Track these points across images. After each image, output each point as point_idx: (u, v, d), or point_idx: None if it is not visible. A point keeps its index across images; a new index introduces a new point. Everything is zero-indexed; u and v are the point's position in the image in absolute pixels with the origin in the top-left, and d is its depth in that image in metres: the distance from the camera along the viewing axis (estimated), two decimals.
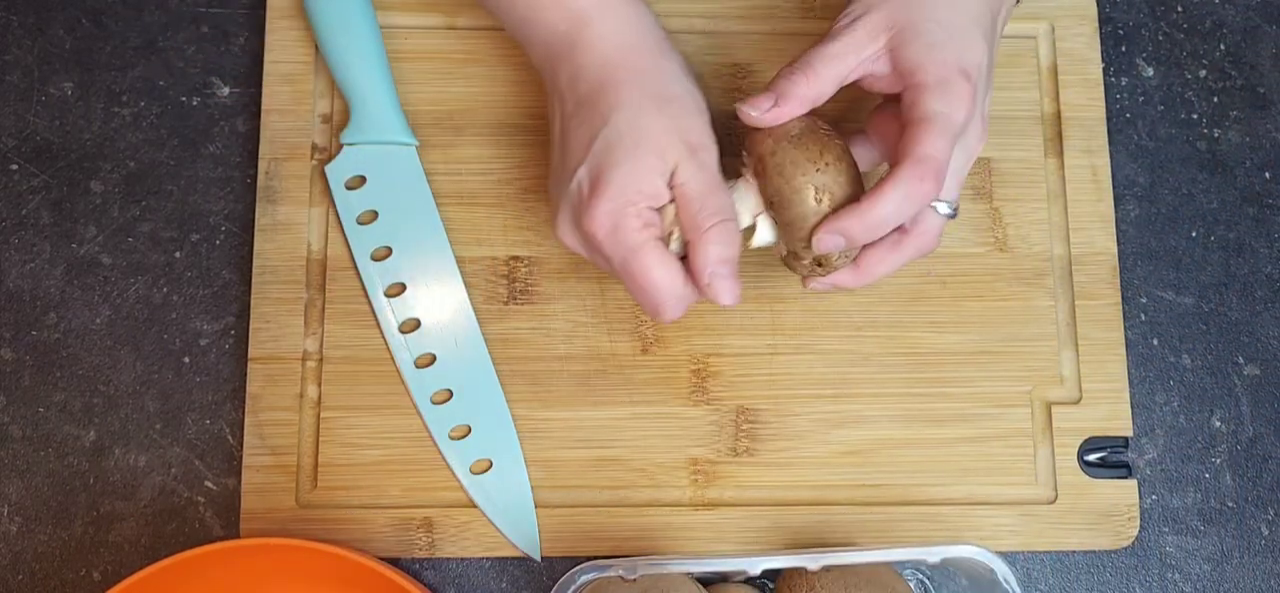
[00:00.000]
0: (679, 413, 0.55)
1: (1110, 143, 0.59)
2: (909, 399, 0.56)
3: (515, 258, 0.56)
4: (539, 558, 0.54)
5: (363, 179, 0.56)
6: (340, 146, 0.56)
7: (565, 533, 0.54)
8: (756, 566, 0.48)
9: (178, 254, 0.57)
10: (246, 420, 0.54)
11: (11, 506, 0.54)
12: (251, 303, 0.55)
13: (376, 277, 0.56)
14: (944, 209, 0.48)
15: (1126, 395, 0.56)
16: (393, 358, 0.55)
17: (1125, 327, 0.57)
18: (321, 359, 0.55)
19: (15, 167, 0.57)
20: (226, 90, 0.59)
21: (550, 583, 0.54)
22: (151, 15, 0.59)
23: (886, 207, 0.45)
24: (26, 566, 0.54)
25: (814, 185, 0.46)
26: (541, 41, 0.50)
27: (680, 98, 0.48)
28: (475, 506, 0.54)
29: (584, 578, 0.47)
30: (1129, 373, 0.57)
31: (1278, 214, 0.60)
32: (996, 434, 0.56)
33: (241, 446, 0.54)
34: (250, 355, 0.55)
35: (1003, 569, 0.47)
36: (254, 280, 0.55)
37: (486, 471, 0.54)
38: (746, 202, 0.49)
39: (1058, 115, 0.59)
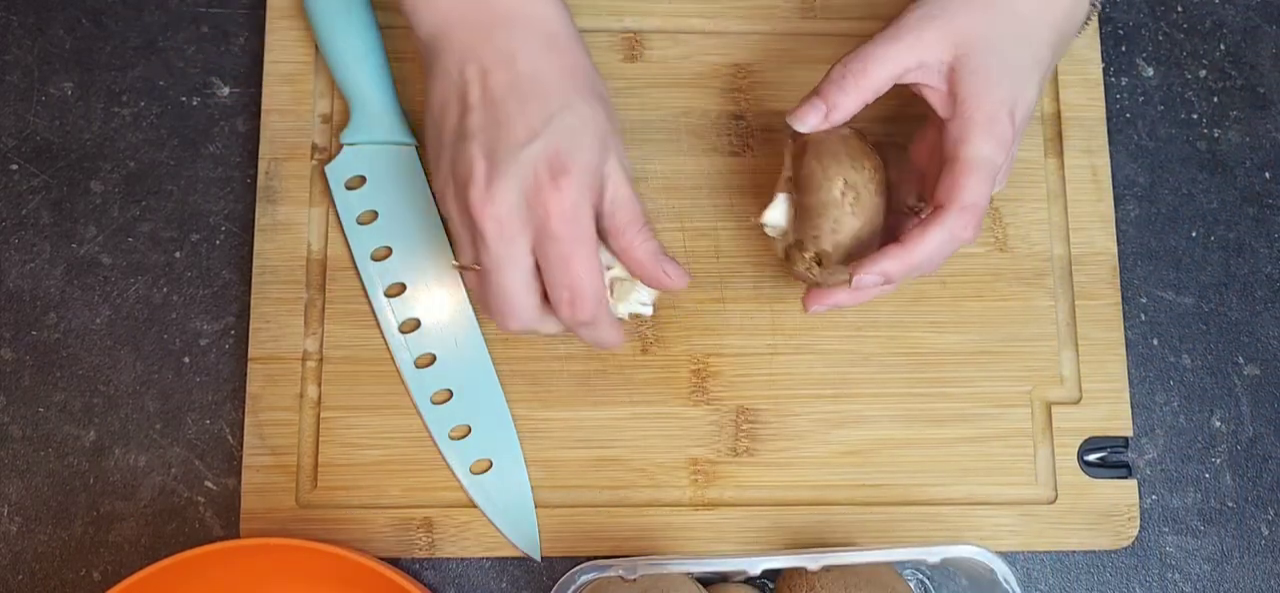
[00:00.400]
0: (679, 413, 0.55)
1: (1110, 143, 0.59)
2: (909, 399, 0.56)
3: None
4: (539, 558, 0.54)
5: (363, 179, 0.56)
6: (340, 146, 0.56)
7: (565, 533, 0.54)
8: (756, 566, 0.48)
9: (178, 254, 0.57)
10: (246, 420, 0.54)
11: (11, 506, 0.54)
12: (251, 303, 0.55)
13: (376, 277, 0.56)
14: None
15: (1126, 395, 0.56)
16: (393, 358, 0.55)
17: (1125, 327, 0.57)
18: (321, 359, 0.55)
19: (15, 167, 0.57)
20: (226, 90, 0.59)
21: (550, 583, 0.54)
22: (151, 15, 0.59)
23: (927, 249, 0.46)
24: (26, 566, 0.54)
25: (845, 178, 0.47)
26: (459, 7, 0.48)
27: (604, 94, 0.49)
28: (475, 506, 0.54)
29: (584, 578, 0.47)
30: (1129, 373, 0.57)
31: (1278, 214, 0.60)
32: (996, 434, 0.56)
33: (241, 445, 0.54)
34: (250, 355, 0.55)
35: (1003, 569, 0.47)
36: (254, 280, 0.55)
37: (486, 471, 0.54)
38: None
39: (1058, 115, 0.59)
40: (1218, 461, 0.57)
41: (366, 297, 0.55)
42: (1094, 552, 0.56)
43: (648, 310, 0.51)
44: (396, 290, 0.55)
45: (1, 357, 0.56)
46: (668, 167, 0.57)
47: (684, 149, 0.58)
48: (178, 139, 0.58)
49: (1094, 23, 0.60)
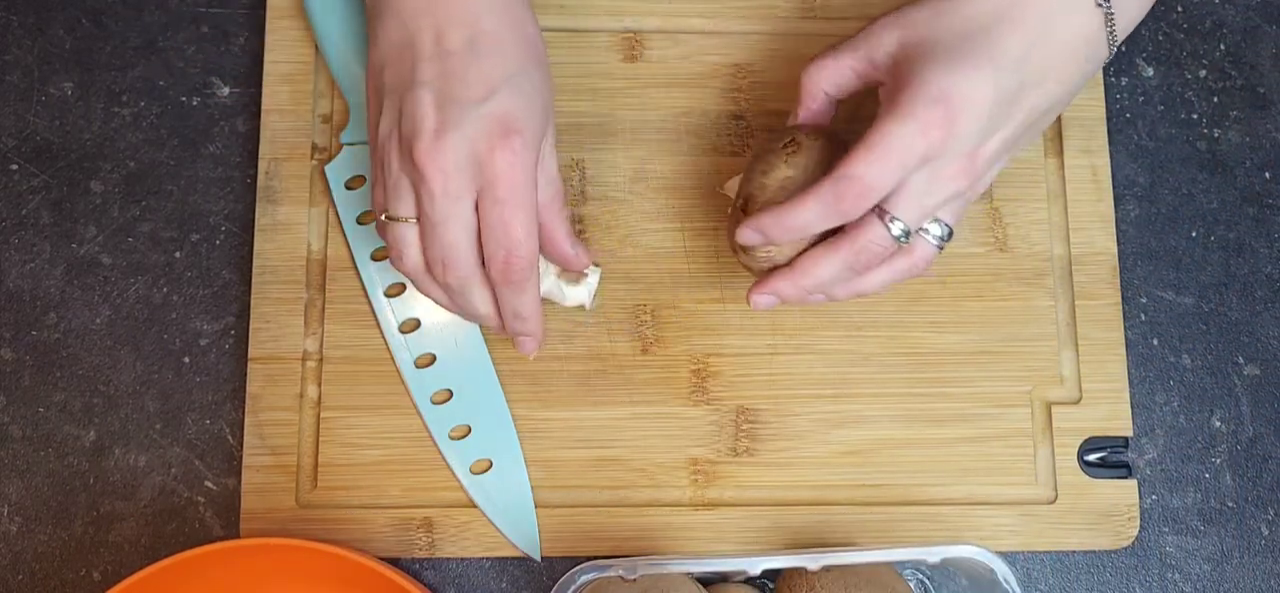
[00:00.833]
0: (679, 413, 0.55)
1: (1110, 143, 0.59)
2: (909, 399, 0.56)
3: None
4: (539, 558, 0.54)
5: (363, 179, 0.56)
6: (340, 146, 0.56)
7: (565, 533, 0.54)
8: (756, 566, 0.48)
9: (178, 254, 0.57)
10: (246, 420, 0.54)
11: (11, 506, 0.54)
12: (251, 303, 0.55)
13: (376, 277, 0.56)
14: (895, 229, 0.46)
15: (1126, 395, 0.56)
16: (393, 358, 0.55)
17: (1125, 327, 0.57)
18: (321, 359, 0.55)
19: (15, 167, 0.57)
20: (226, 90, 0.59)
21: (550, 583, 0.54)
22: (151, 15, 0.59)
23: (801, 215, 0.46)
24: (26, 566, 0.54)
25: (792, 136, 0.48)
26: None
27: (548, 67, 0.50)
28: (475, 506, 0.54)
29: (584, 578, 0.47)
30: (1129, 373, 0.57)
31: (1278, 214, 0.60)
32: (996, 434, 0.56)
33: (241, 445, 0.54)
34: (250, 355, 0.55)
35: (1003, 569, 0.47)
36: (254, 280, 0.55)
37: (487, 471, 0.54)
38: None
39: (1057, 115, 0.59)
40: (1218, 461, 0.57)
41: (366, 297, 0.55)
42: (1094, 552, 0.56)
43: (588, 303, 0.52)
44: (396, 290, 0.55)
45: (1, 357, 0.56)
46: (668, 167, 0.57)
47: (684, 149, 0.58)
48: (178, 139, 0.58)
49: None
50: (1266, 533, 0.56)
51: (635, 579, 0.48)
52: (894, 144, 0.44)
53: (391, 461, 0.54)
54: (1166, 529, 0.56)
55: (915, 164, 0.44)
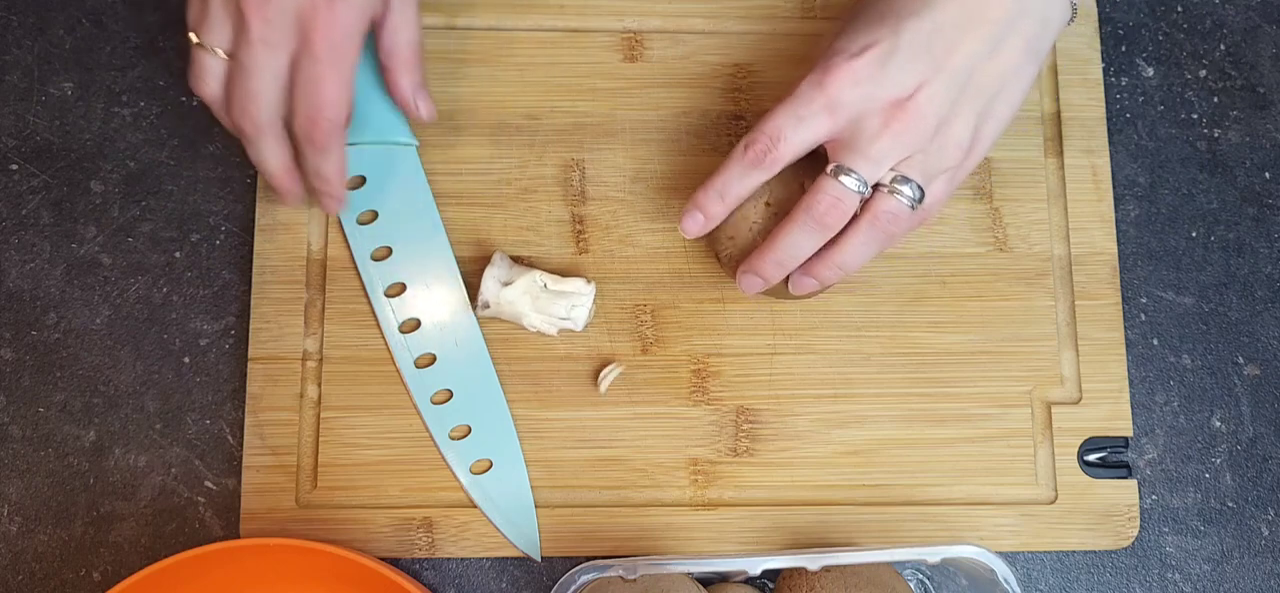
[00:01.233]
0: (679, 413, 0.55)
1: (1110, 143, 0.59)
2: (909, 399, 0.56)
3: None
4: (539, 558, 0.54)
5: (363, 179, 0.56)
6: None
7: (565, 533, 0.54)
8: (756, 566, 0.48)
9: (178, 254, 0.57)
10: (246, 420, 0.54)
11: (11, 506, 0.54)
12: (251, 303, 0.55)
13: (376, 277, 0.55)
14: (850, 183, 0.47)
15: (1126, 395, 0.56)
16: (393, 358, 0.55)
17: (1125, 327, 0.57)
18: (321, 359, 0.55)
19: (15, 167, 0.57)
20: None
21: (550, 583, 0.54)
22: (151, 15, 0.59)
23: (723, 176, 0.49)
24: (26, 566, 0.54)
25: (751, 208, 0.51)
26: None
27: None
28: (475, 506, 0.54)
29: (584, 578, 0.47)
30: (1129, 373, 0.57)
31: (1278, 214, 0.60)
32: (997, 434, 0.56)
33: (241, 445, 0.54)
34: (250, 355, 0.55)
35: (1003, 570, 0.47)
36: (254, 280, 0.55)
37: (487, 471, 0.54)
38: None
39: (1058, 115, 0.59)
40: (1218, 461, 0.57)
41: (366, 297, 0.55)
42: (1094, 552, 0.56)
43: (578, 326, 0.54)
44: (396, 290, 0.55)
45: (1, 357, 0.56)
46: (668, 166, 0.57)
47: (684, 149, 0.58)
48: (178, 139, 0.58)
49: (1094, 23, 0.60)
50: (1266, 533, 0.56)
51: (635, 579, 0.48)
52: (796, 95, 0.47)
53: (391, 460, 0.54)
54: (1166, 529, 0.56)
55: (817, 111, 0.47)
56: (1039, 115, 0.59)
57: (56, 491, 0.54)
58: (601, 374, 0.55)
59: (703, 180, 0.50)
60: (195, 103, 0.58)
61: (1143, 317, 0.58)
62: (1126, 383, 0.56)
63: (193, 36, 0.48)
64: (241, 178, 0.58)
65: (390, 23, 0.50)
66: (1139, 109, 0.60)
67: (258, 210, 0.56)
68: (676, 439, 0.55)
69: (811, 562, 0.48)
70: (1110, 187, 0.58)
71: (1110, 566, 0.56)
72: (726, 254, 0.52)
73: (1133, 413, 0.56)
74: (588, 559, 0.48)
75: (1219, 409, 0.58)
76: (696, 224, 0.50)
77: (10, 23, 0.59)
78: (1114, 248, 0.58)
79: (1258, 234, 0.59)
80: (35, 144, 0.58)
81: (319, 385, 0.55)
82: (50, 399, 0.55)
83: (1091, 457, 0.56)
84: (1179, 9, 0.62)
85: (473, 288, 0.55)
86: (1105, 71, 0.60)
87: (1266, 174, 0.60)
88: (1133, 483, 0.55)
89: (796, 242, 0.49)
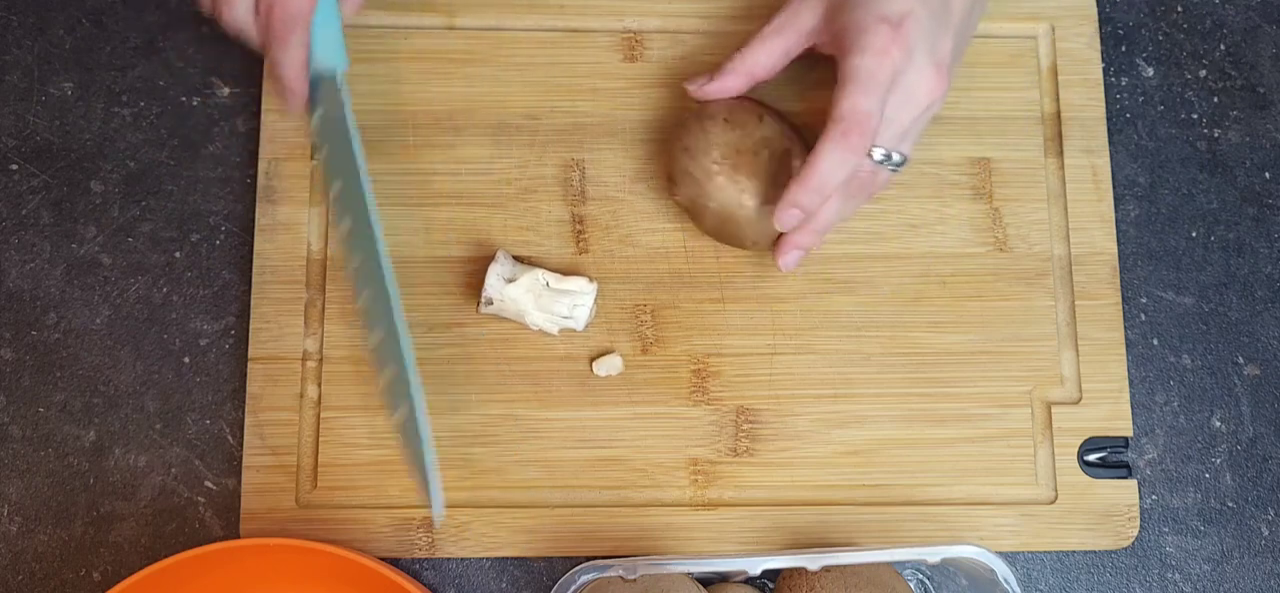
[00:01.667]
0: (679, 413, 0.55)
1: (1110, 143, 0.59)
2: (909, 399, 0.56)
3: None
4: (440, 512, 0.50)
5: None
6: None
7: (565, 533, 0.54)
8: (756, 566, 0.48)
9: (178, 254, 0.57)
10: (246, 420, 0.54)
11: (11, 506, 0.54)
12: (251, 303, 0.55)
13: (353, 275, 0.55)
14: (877, 154, 0.50)
15: (1126, 395, 0.56)
16: None
17: (1125, 327, 0.57)
18: (321, 359, 0.55)
19: (15, 166, 0.57)
20: (226, 90, 0.59)
21: (550, 583, 0.54)
22: (151, 15, 0.59)
23: (820, 168, 0.48)
24: (26, 566, 0.54)
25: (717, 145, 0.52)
26: None
27: None
28: (475, 505, 0.54)
29: (584, 578, 0.47)
30: (1129, 373, 0.57)
31: (1278, 214, 0.60)
32: (997, 434, 0.56)
33: (241, 445, 0.54)
34: (250, 355, 0.55)
35: (1003, 570, 0.47)
36: (254, 280, 0.55)
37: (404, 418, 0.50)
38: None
39: (1058, 115, 0.59)
40: (1218, 461, 0.57)
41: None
42: (1094, 552, 0.56)
43: (580, 325, 0.54)
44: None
45: (1, 357, 0.56)
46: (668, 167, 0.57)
47: None
48: (178, 139, 0.58)
49: (1094, 23, 0.60)
50: (1266, 533, 0.56)
51: (635, 579, 0.48)
52: (863, 75, 0.47)
53: (391, 460, 0.54)
54: (1166, 529, 0.56)
55: (888, 86, 0.48)
56: (1039, 115, 0.59)
57: (56, 491, 0.54)
58: (598, 360, 0.55)
59: None
60: (195, 102, 0.58)
61: (1143, 317, 0.58)
62: (1126, 383, 0.56)
63: None
64: (241, 178, 0.58)
65: None
66: (1139, 109, 0.60)
67: (258, 210, 0.56)
68: (676, 439, 0.55)
69: (811, 562, 0.48)
70: (1110, 187, 0.58)
71: (1110, 566, 0.56)
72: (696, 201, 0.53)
73: (1133, 413, 0.56)
74: (588, 559, 0.48)
75: (1219, 409, 0.58)
76: (794, 218, 0.51)
77: (10, 23, 0.59)
78: (1114, 248, 0.58)
79: (1258, 234, 0.59)
80: (35, 144, 0.58)
81: (319, 385, 0.55)
82: (50, 399, 0.55)
83: (1091, 457, 0.56)
84: (1179, 9, 0.62)
85: (472, 288, 0.55)
86: (1105, 71, 0.60)
87: (1266, 174, 0.60)
88: (1133, 483, 0.55)
89: (831, 167, 0.48)
